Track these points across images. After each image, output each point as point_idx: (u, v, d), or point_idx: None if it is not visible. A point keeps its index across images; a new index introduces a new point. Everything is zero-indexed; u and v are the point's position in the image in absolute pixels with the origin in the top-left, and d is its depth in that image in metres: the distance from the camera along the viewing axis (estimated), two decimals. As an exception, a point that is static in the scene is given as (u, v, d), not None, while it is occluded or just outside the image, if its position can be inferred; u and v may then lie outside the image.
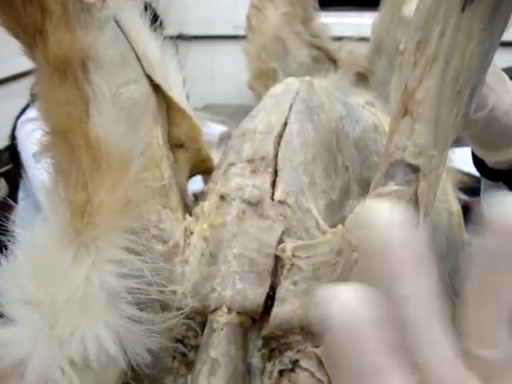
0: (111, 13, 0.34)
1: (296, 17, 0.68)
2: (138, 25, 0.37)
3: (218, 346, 0.35)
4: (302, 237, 0.40)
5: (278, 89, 0.50)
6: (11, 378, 0.31)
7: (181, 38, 2.28)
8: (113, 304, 0.33)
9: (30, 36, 0.31)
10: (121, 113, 0.34)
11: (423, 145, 0.32)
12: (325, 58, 0.70)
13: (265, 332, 0.37)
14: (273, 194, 0.40)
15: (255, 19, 0.65)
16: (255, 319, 0.38)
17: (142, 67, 0.37)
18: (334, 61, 0.71)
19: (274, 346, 0.37)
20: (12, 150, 1.25)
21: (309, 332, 0.35)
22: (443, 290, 0.56)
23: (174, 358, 0.38)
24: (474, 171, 1.04)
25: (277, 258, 0.38)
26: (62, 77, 0.32)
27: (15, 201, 1.22)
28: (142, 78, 0.37)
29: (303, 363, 0.34)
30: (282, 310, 0.36)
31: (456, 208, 0.58)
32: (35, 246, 0.33)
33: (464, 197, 1.01)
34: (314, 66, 0.69)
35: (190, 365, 0.37)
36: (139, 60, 0.37)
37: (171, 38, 0.47)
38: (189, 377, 0.36)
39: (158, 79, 0.38)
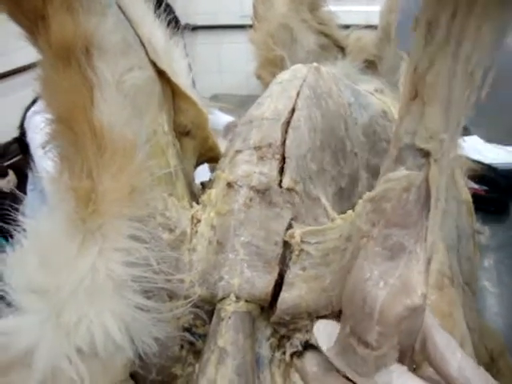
0: (114, -3, 0.33)
1: (303, 4, 0.67)
2: (141, 10, 0.36)
3: (226, 335, 0.35)
4: (310, 224, 0.40)
5: (284, 75, 0.49)
6: (19, 367, 0.31)
7: (188, 27, 2.28)
8: (119, 292, 0.33)
9: (32, 22, 0.31)
10: (125, 100, 0.34)
11: (434, 129, 0.31)
12: (333, 46, 0.69)
13: (273, 318, 0.36)
14: (280, 181, 0.40)
15: (261, 7, 0.64)
16: (263, 308, 0.37)
17: (147, 53, 0.37)
18: (341, 48, 0.70)
19: (283, 332, 0.37)
20: (21, 142, 1.26)
21: (317, 317, 0.34)
22: (454, 277, 0.55)
23: (182, 346, 0.37)
24: (483, 159, 1.03)
25: (285, 245, 0.38)
26: (65, 63, 0.32)
27: (24, 192, 1.22)
28: (147, 64, 0.36)
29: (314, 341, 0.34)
30: (290, 295, 0.36)
31: (466, 196, 0.57)
32: (41, 234, 0.33)
33: (474, 185, 1.00)
34: (322, 53, 0.68)
35: (198, 353, 0.37)
36: (143, 46, 0.36)
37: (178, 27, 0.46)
38: (197, 365, 0.36)
39: (163, 66, 0.38)
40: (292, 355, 0.36)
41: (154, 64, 0.38)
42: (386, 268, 0.30)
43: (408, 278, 0.31)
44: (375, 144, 0.53)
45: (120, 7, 0.34)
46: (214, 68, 2.38)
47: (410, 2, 0.42)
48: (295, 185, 0.40)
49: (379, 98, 0.56)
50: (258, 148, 0.41)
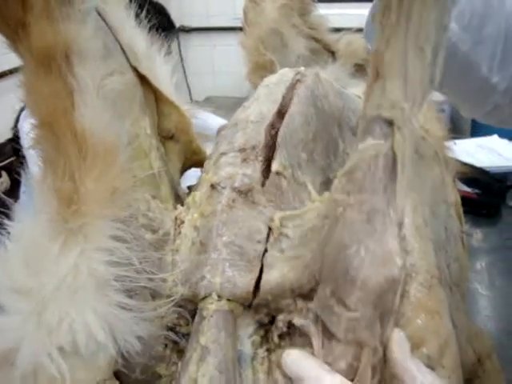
0: (93, 4, 0.34)
1: (293, 9, 0.68)
2: (121, 17, 0.37)
3: (208, 333, 0.35)
4: (296, 207, 0.41)
5: (271, 79, 0.50)
6: (2, 366, 0.32)
7: (182, 29, 2.29)
8: (101, 291, 0.34)
9: (13, 30, 0.32)
10: (106, 103, 0.35)
11: (395, 99, 0.33)
12: (323, 50, 0.70)
13: (256, 300, 0.37)
14: (263, 182, 0.41)
15: (252, 12, 0.65)
16: (245, 306, 0.38)
17: (127, 59, 0.38)
18: (332, 52, 0.71)
19: (266, 315, 0.37)
20: (15, 143, 1.25)
21: (300, 293, 0.35)
22: (442, 277, 0.55)
23: (166, 345, 0.38)
24: (475, 162, 1.03)
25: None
26: (46, 70, 0.33)
27: (17, 194, 1.21)
28: (127, 69, 0.37)
29: (297, 321, 0.35)
30: (271, 275, 0.36)
31: (455, 198, 0.57)
32: (25, 235, 0.34)
33: (466, 188, 1.00)
34: (312, 57, 0.69)
35: (181, 352, 0.38)
36: (124, 52, 0.37)
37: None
38: (179, 364, 0.37)
39: (144, 71, 0.39)
40: (279, 338, 0.36)
41: (135, 69, 0.39)
42: (364, 232, 0.32)
43: (386, 243, 0.32)
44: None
45: (100, 14, 0.35)
46: (208, 70, 2.38)
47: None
48: (284, 170, 0.42)
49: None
50: (242, 150, 0.42)
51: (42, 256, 0.33)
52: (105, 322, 0.34)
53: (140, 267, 0.36)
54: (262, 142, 0.42)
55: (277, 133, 0.43)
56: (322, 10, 0.74)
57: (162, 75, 0.41)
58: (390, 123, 0.33)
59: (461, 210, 0.58)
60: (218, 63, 2.38)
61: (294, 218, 0.39)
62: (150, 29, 0.44)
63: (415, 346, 0.34)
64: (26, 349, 0.32)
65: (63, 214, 0.33)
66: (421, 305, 0.45)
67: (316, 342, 0.33)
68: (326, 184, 0.49)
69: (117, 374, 0.37)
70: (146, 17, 0.47)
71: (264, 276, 0.37)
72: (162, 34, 1.22)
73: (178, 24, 2.16)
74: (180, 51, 2.27)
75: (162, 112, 0.42)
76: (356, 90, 0.63)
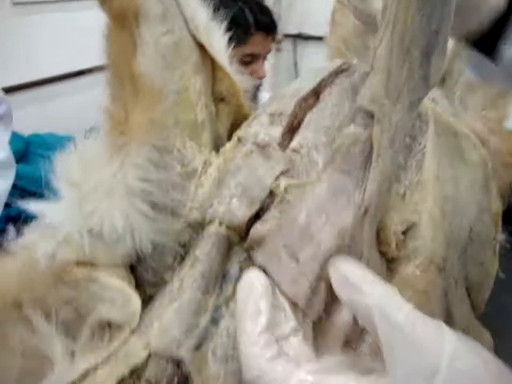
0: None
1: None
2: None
3: (202, 246, 0.43)
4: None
5: (323, 64, 0.56)
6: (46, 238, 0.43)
7: (298, 36, 2.40)
8: (129, 198, 0.44)
9: (102, -6, 0.44)
10: (159, 57, 0.45)
11: (377, 93, 0.37)
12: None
13: (245, 244, 0.44)
14: (282, 142, 0.47)
15: (339, 13, 0.71)
16: (242, 237, 0.45)
17: (188, 26, 0.47)
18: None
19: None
20: None
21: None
22: (448, 271, 0.58)
23: (175, 258, 0.46)
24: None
25: (271, 194, 0.45)
26: (120, 26, 0.44)
27: None
28: (185, 34, 0.47)
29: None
30: (263, 227, 0.43)
31: (493, 206, 0.58)
32: (86, 146, 0.45)
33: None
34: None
35: (185, 265, 0.46)
36: (185, 20, 0.47)
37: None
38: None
39: (202, 39, 0.48)
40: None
41: (194, 37, 0.48)
42: (328, 204, 0.37)
43: (344, 219, 0.37)
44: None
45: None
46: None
47: None
48: (301, 148, 0.47)
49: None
50: (271, 115, 0.49)
51: (93, 161, 0.44)
52: (127, 221, 0.43)
53: (165, 188, 0.45)
54: (289, 111, 0.49)
55: (307, 107, 0.50)
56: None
57: (219, 46, 0.50)
58: (370, 115, 0.38)
59: (499, 219, 0.58)
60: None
61: (298, 187, 0.44)
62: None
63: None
64: (66, 225, 0.43)
65: (113, 133, 0.44)
66: (409, 283, 0.48)
67: None
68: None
69: (135, 273, 0.47)
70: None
71: (256, 225, 0.43)
72: (262, 32, 1.32)
73: (296, 31, 2.30)
74: (295, 56, 2.41)
75: (216, 76, 0.51)
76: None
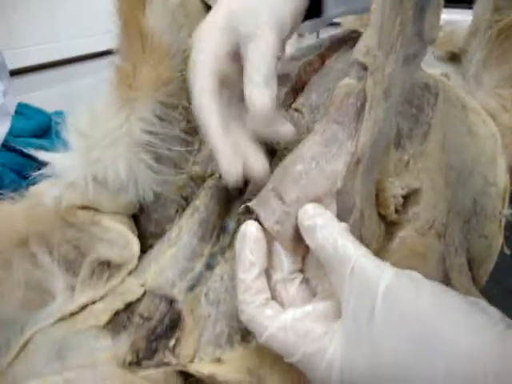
0: None
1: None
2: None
3: (202, 197, 0.45)
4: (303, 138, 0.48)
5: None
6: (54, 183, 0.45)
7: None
8: (134, 149, 0.45)
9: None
10: (167, 16, 0.47)
11: (369, 46, 0.38)
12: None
13: (244, 197, 0.45)
14: (285, 101, 0.49)
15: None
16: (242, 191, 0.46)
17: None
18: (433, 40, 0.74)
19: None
20: None
21: None
22: (448, 237, 0.58)
23: (177, 210, 0.48)
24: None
25: (272, 151, 0.47)
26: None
27: None
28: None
29: None
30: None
31: (500, 180, 0.58)
32: (96, 100, 0.47)
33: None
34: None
35: (186, 217, 0.48)
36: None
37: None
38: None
39: (210, 1, 0.50)
40: None
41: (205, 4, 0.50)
42: (320, 152, 0.38)
43: (335, 165, 0.38)
44: (407, 108, 0.58)
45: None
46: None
47: None
48: (302, 107, 0.49)
49: (430, 75, 0.61)
50: (278, 77, 0.50)
51: (101, 114, 0.46)
52: (130, 170, 0.45)
53: (170, 141, 0.47)
54: (293, 75, 0.50)
55: (312, 70, 0.51)
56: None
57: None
58: (364, 67, 0.38)
59: (507, 194, 0.58)
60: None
61: (295, 143, 0.45)
62: None
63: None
64: (72, 171, 0.45)
65: (121, 87, 0.46)
66: (407, 245, 0.49)
67: None
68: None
69: (138, 226, 0.49)
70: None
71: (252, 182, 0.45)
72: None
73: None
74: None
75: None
76: (433, 70, 0.66)
